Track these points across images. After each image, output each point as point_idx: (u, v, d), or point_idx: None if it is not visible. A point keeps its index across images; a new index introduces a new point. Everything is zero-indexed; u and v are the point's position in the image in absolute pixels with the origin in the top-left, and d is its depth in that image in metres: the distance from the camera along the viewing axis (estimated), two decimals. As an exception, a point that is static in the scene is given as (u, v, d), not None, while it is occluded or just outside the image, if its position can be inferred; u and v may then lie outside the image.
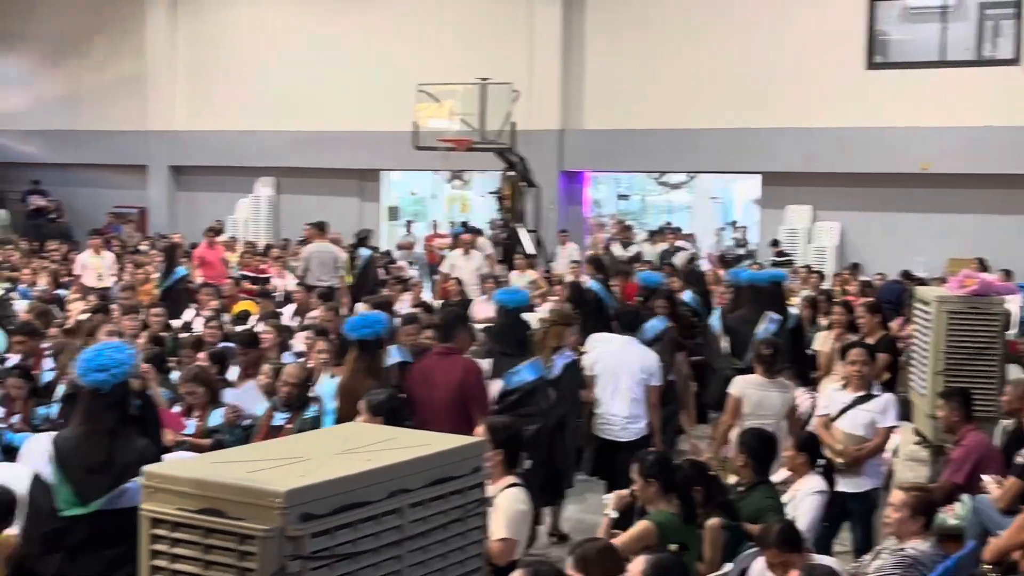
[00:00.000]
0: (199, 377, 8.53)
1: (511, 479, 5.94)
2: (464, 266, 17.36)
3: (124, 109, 27.68)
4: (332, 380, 8.23)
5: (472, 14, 23.88)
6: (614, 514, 6.28)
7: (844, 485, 7.77)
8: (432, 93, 20.89)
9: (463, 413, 7.32)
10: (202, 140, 26.77)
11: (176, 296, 14.08)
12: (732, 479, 7.23)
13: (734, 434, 7.94)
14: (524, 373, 8.12)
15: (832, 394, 8.15)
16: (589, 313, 10.78)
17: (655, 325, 10.08)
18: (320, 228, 17.05)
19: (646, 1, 22.59)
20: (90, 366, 5.77)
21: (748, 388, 8.58)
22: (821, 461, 7.47)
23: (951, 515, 7.56)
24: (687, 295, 12.65)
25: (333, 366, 8.59)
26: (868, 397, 7.90)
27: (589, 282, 12.49)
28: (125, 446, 5.74)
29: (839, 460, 7.78)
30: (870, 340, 10.16)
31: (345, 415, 7.15)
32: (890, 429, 7.89)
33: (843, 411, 7.92)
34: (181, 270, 15.17)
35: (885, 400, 7.91)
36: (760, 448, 6.89)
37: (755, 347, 8.93)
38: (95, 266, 16.83)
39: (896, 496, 5.99)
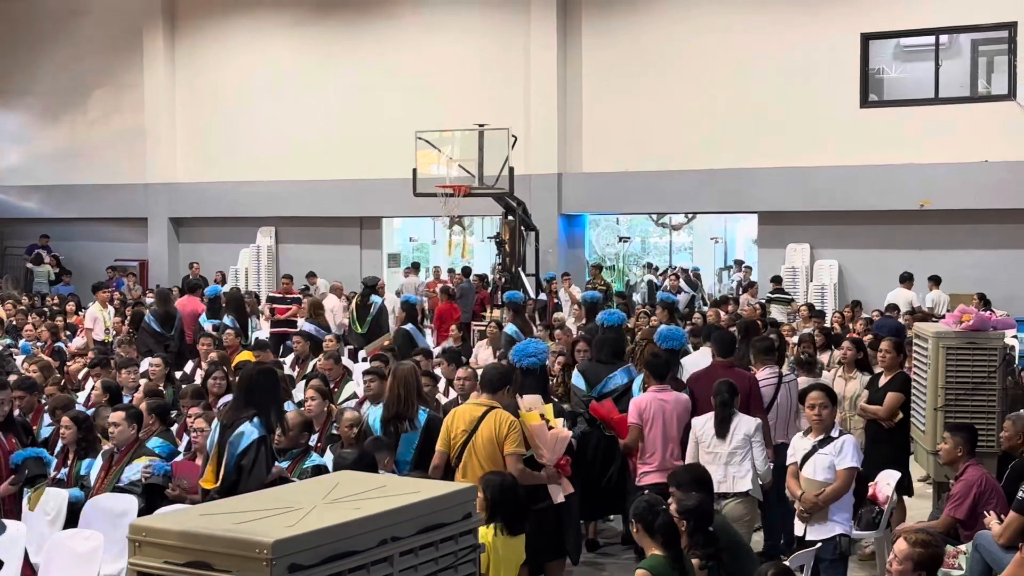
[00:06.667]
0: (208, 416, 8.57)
1: None
2: None
3: (124, 162, 27.83)
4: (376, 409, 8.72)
5: (468, 61, 24.03)
6: None
7: (811, 533, 7.57)
8: (430, 140, 20.99)
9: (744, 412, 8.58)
10: (202, 192, 26.90)
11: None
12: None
13: None
14: (619, 378, 9.74)
15: (796, 442, 7.98)
16: None
17: None
18: None
19: (641, 45, 22.74)
20: (524, 353, 8.40)
21: None
22: None
23: (954, 569, 7.46)
24: None
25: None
26: (827, 440, 7.68)
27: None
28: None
29: (800, 508, 7.62)
30: (886, 378, 10.07)
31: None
32: (851, 471, 7.60)
33: (805, 458, 7.71)
34: None
35: (842, 441, 7.65)
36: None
37: None
38: (104, 319, 16.88)
39: (899, 547, 5.72)
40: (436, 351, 14.78)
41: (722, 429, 8.19)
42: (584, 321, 15.59)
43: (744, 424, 8.26)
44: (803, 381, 9.85)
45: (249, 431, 7.02)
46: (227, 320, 15.89)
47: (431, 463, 7.70)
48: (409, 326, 15.46)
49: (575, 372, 10.18)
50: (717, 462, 8.11)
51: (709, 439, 8.24)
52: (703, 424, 8.36)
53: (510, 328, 14.57)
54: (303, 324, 16.34)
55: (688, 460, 8.34)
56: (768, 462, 8.36)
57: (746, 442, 8.16)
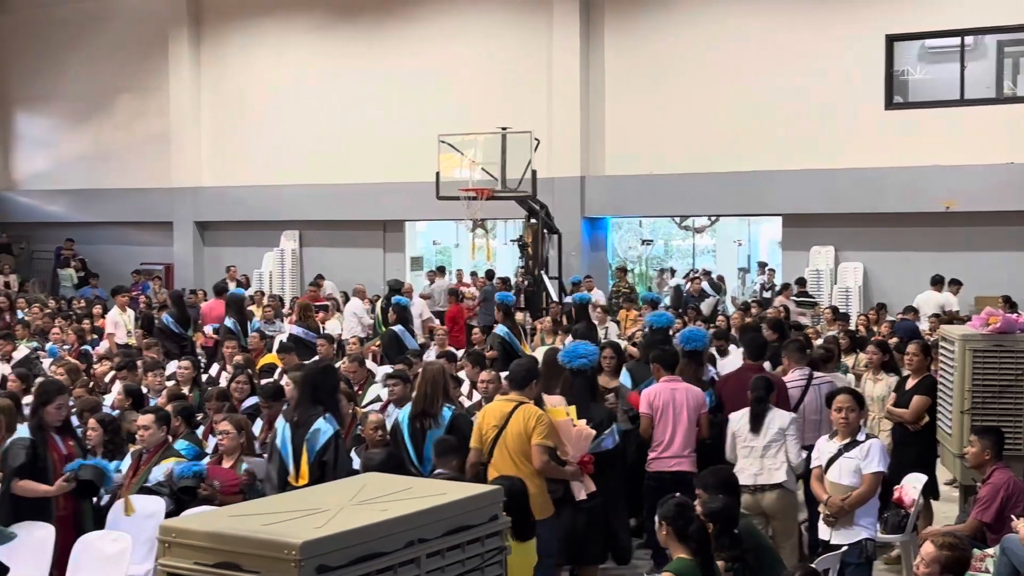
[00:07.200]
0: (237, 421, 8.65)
1: None
2: None
3: (149, 167, 28.00)
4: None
5: (491, 64, 24.05)
6: None
7: (836, 537, 7.57)
8: (453, 143, 21.02)
9: None
10: (226, 196, 27.02)
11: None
12: None
13: None
14: None
15: (822, 445, 7.96)
16: None
17: None
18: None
19: (663, 48, 22.70)
20: (576, 354, 8.52)
21: None
22: None
23: (981, 573, 7.41)
24: None
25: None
26: (853, 444, 7.67)
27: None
28: (598, 408, 8.49)
29: (826, 512, 7.62)
30: (912, 381, 10.06)
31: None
32: (877, 475, 7.59)
33: (831, 461, 7.70)
34: None
35: (869, 445, 7.64)
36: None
37: None
38: (125, 323, 17.00)
39: (926, 550, 5.67)
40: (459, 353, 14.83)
41: (756, 424, 8.49)
42: (575, 321, 15.71)
43: (778, 418, 8.55)
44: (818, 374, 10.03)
45: (324, 428, 7.42)
46: (228, 323, 15.95)
47: (466, 460, 7.80)
48: (398, 327, 15.58)
49: (623, 371, 10.34)
50: (753, 455, 8.45)
51: (745, 433, 8.53)
52: (739, 419, 8.65)
53: (500, 329, 14.84)
54: (293, 327, 16.44)
55: (727, 454, 8.66)
56: (801, 455, 8.51)
57: (780, 435, 8.45)
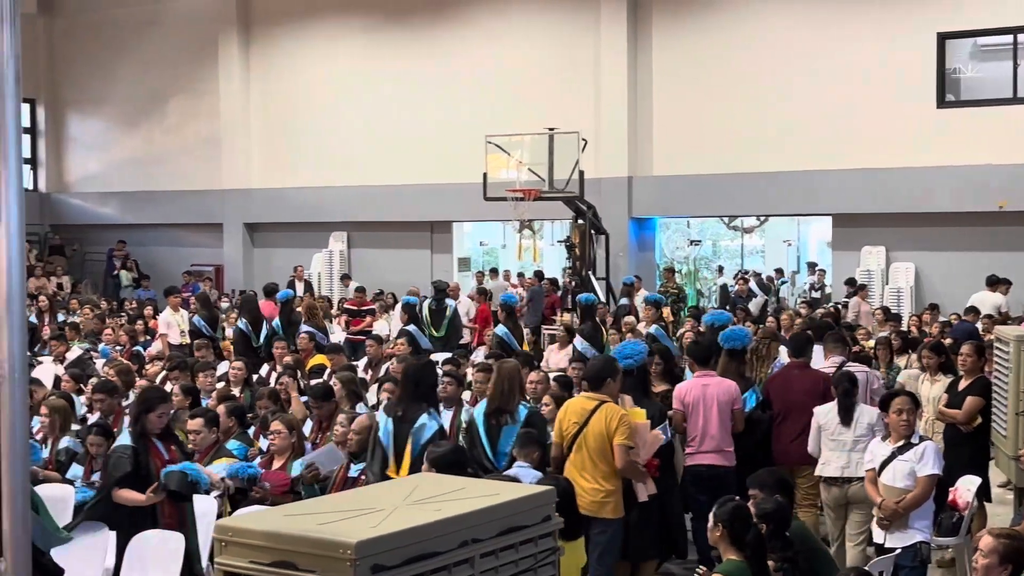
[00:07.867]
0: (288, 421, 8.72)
1: None
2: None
3: (199, 169, 28.27)
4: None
5: (538, 65, 24.05)
6: None
7: (891, 540, 7.51)
8: (500, 144, 21.05)
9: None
10: (276, 197, 27.22)
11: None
12: None
13: None
14: None
15: (875, 447, 7.90)
16: None
17: None
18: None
19: (711, 47, 22.58)
20: (622, 355, 8.50)
21: None
22: None
23: None
24: None
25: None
26: (907, 446, 7.60)
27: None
28: (651, 404, 8.49)
29: (880, 515, 7.56)
30: (966, 382, 9.93)
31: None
32: (932, 478, 7.52)
33: (885, 463, 7.64)
34: None
35: (923, 448, 7.58)
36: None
37: None
38: (178, 323, 17.15)
39: (985, 541, 5.56)
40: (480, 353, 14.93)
41: (847, 417, 8.52)
42: (579, 322, 15.70)
43: (867, 414, 8.58)
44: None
45: (430, 423, 7.85)
46: (240, 324, 16.02)
47: (550, 455, 7.94)
48: (411, 327, 15.65)
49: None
50: (841, 449, 8.49)
51: (833, 427, 8.56)
52: (827, 412, 8.68)
53: (500, 329, 15.02)
54: (304, 327, 16.51)
55: (810, 448, 8.75)
56: None
57: (869, 431, 8.44)
